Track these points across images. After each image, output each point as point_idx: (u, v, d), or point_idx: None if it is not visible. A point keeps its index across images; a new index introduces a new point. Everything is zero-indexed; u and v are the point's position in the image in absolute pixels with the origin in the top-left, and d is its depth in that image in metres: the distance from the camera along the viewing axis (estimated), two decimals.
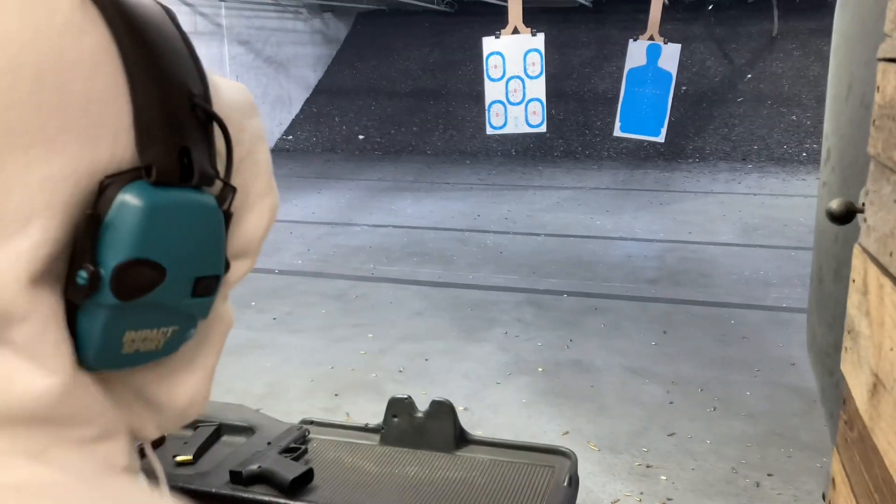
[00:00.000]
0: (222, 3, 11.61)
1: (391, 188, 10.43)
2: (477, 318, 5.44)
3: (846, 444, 0.90)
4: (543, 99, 7.59)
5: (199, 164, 0.45)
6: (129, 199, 0.42)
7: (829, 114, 1.34)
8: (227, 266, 0.49)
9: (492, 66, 7.50)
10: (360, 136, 13.33)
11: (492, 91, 7.52)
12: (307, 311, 5.59)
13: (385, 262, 6.90)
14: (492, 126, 7.60)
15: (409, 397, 1.38)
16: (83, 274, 0.41)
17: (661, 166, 11.79)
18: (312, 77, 14.46)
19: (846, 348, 0.91)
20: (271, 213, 0.55)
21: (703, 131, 12.51)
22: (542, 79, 7.52)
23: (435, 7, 13.16)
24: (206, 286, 0.47)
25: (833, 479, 0.97)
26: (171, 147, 0.44)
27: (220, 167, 0.48)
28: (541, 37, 7.37)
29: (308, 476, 1.23)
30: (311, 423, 1.44)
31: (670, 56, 9.31)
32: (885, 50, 0.81)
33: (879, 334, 0.77)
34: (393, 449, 1.36)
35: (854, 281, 0.88)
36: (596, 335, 5.13)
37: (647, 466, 3.52)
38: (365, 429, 1.40)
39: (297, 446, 1.32)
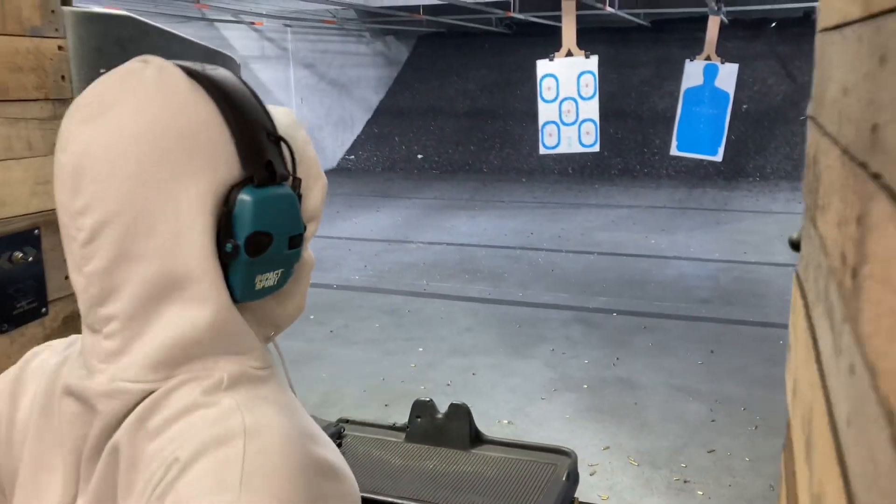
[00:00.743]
0: (288, 29, 12.09)
1: (447, 206, 10.65)
2: (525, 335, 5.58)
3: (787, 445, 1.04)
4: (597, 119, 7.70)
5: (278, 170, 0.74)
6: (245, 198, 0.70)
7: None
8: (304, 227, 0.77)
9: (545, 88, 7.65)
10: (419, 156, 13.63)
11: (545, 112, 7.67)
12: (362, 325, 5.83)
13: (437, 279, 7.11)
14: (545, 146, 7.75)
15: (431, 400, 1.56)
16: (229, 246, 0.70)
17: (720, 185, 11.71)
18: (374, 98, 14.86)
19: (788, 361, 1.05)
20: (323, 189, 0.83)
21: (765, 150, 12.37)
22: (596, 100, 7.63)
23: (493, 29, 13.41)
24: (295, 241, 0.75)
25: (781, 476, 1.10)
26: (261, 162, 0.72)
27: (289, 168, 0.77)
28: (594, 59, 7.49)
29: None
30: (347, 421, 1.63)
31: (728, 75, 9.28)
32: (810, 108, 0.96)
33: (796, 345, 0.92)
34: (416, 445, 1.54)
35: (791, 301, 1.02)
36: (643, 354, 5.21)
37: (685, 482, 3.60)
38: (392, 427, 1.59)
39: (333, 441, 1.51)
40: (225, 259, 0.70)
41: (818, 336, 0.76)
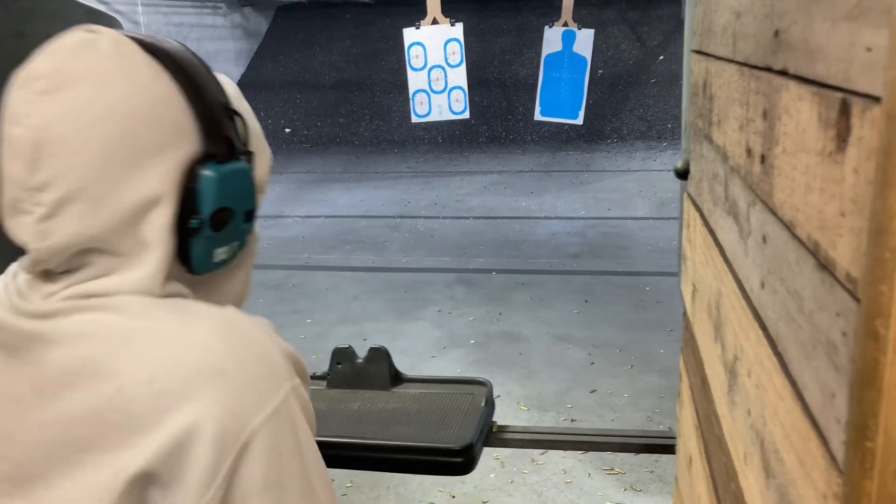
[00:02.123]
0: (139, 1, 11.47)
1: (321, 180, 10.56)
2: (411, 299, 5.69)
3: (686, 345, 1.18)
4: (465, 87, 7.84)
5: (237, 145, 0.76)
6: (209, 174, 0.72)
7: (684, 94, 1.63)
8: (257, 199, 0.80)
9: (413, 57, 7.70)
10: (287, 130, 13.37)
11: (415, 80, 7.72)
12: (246, 302, 5.73)
13: (319, 252, 7.08)
14: (416, 115, 7.82)
15: (350, 346, 1.62)
16: (195, 222, 0.72)
17: (581, 148, 12.24)
18: (235, 72, 14.38)
19: (682, 272, 1.19)
20: (269, 161, 0.86)
21: (620, 112, 13.01)
22: (463, 67, 7.76)
23: None
24: (250, 214, 0.78)
25: (681, 375, 1.25)
26: (221, 138, 0.74)
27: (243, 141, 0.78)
28: (459, 26, 7.61)
29: None
30: None
31: (584, 41, 9.64)
32: (694, 43, 1.09)
33: (694, 254, 1.05)
34: (338, 391, 1.59)
35: (684, 219, 1.16)
36: (523, 308, 5.45)
37: (572, 420, 3.84)
38: (313, 376, 1.63)
39: None
40: (187, 234, 0.72)
41: (719, 235, 0.88)
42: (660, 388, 4.11)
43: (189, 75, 0.73)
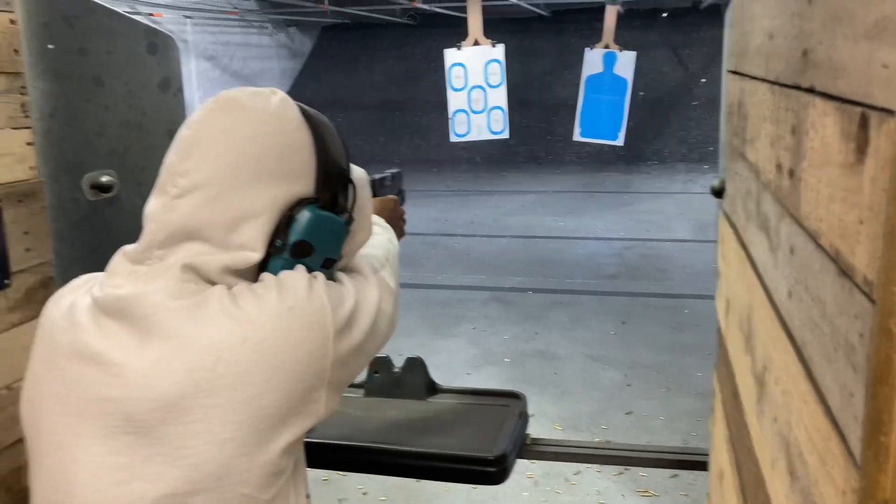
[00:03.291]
0: (188, 20, 11.79)
1: None
2: (446, 316, 5.72)
3: (719, 361, 1.20)
4: (505, 107, 7.89)
5: (341, 203, 0.92)
6: (306, 212, 0.88)
7: (722, 114, 1.65)
8: (340, 256, 0.93)
9: (454, 77, 7.78)
10: None
11: (455, 100, 7.80)
12: None
13: None
14: (456, 134, 7.88)
15: (388, 356, 1.66)
16: (279, 241, 0.87)
17: (621, 169, 12.20)
18: (279, 89, 14.63)
19: (717, 288, 1.20)
20: (366, 239, 1.00)
21: (662, 135, 12.96)
22: (503, 88, 7.82)
23: (398, 20, 13.46)
24: (329, 263, 0.91)
25: (714, 391, 1.26)
26: (330, 192, 0.91)
27: (348, 206, 0.94)
28: (500, 47, 7.68)
29: None
30: None
31: (626, 63, 9.62)
32: (729, 64, 1.11)
33: (728, 269, 1.07)
34: (375, 399, 1.63)
35: (719, 236, 1.18)
36: (559, 327, 5.44)
37: (606, 441, 3.81)
38: (351, 385, 1.67)
39: None
40: (272, 251, 0.87)
41: (751, 250, 0.90)
42: (696, 412, 4.06)
43: (324, 140, 0.91)
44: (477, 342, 5.18)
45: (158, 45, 1.79)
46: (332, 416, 1.58)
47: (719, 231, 1.17)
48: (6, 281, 1.34)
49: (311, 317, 0.84)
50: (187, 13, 11.44)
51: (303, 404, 0.84)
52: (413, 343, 5.14)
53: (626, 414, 4.09)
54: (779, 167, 0.71)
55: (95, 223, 1.61)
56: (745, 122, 0.94)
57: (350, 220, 0.93)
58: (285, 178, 0.87)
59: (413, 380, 1.62)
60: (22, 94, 1.37)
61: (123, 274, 0.87)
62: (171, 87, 1.82)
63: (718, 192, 1.30)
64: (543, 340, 5.18)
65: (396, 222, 1.37)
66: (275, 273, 0.87)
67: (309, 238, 0.87)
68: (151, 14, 10.79)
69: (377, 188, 1.37)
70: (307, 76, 14.84)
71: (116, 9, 1.75)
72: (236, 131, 0.87)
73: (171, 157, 0.88)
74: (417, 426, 1.50)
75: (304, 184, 0.88)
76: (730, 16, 1.45)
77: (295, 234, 0.87)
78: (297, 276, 0.86)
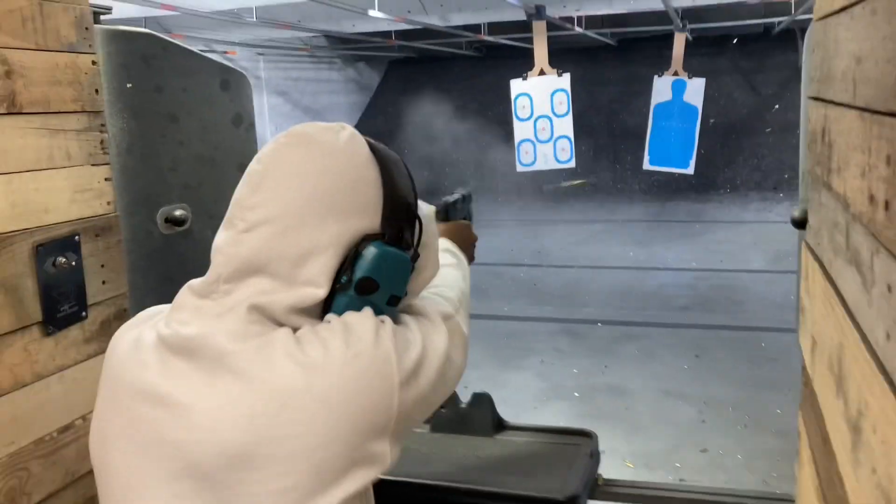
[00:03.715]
0: (261, 57, 12.18)
1: None
2: (513, 348, 5.66)
3: (805, 402, 1.12)
4: (571, 136, 7.84)
5: (407, 239, 0.91)
6: (372, 247, 0.87)
7: (801, 142, 1.59)
8: (405, 293, 0.91)
9: (520, 107, 7.79)
10: None
11: (521, 130, 7.79)
12: None
13: None
14: (521, 164, 7.86)
15: (454, 391, 1.63)
16: (344, 278, 0.86)
17: (692, 198, 11.94)
18: (348, 124, 14.93)
19: (800, 325, 1.13)
20: (432, 276, 0.98)
21: (734, 162, 12.64)
22: (570, 117, 7.77)
23: (463, 52, 13.61)
24: (394, 300, 0.90)
25: (799, 434, 1.19)
26: (396, 228, 0.90)
27: (414, 243, 0.93)
28: (566, 77, 7.65)
29: None
30: None
31: (695, 90, 9.47)
32: (811, 90, 1.06)
33: (813, 305, 1.01)
34: (441, 435, 1.60)
35: (802, 270, 1.11)
36: (630, 361, 5.31)
37: (681, 480, 3.68)
38: None
39: None
40: (336, 287, 0.86)
41: (840, 286, 0.84)
42: (776, 451, 3.88)
43: (392, 175, 0.91)
44: (545, 375, 5.09)
45: (231, 82, 1.83)
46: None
47: (802, 264, 1.11)
48: (83, 313, 1.38)
49: (376, 366, 0.82)
50: (260, 50, 11.83)
51: (367, 455, 0.82)
52: (479, 375, 5.09)
53: (702, 451, 3.94)
54: (872, 198, 0.66)
55: (168, 256, 1.64)
56: (831, 151, 0.89)
57: (416, 257, 0.92)
58: (352, 214, 0.87)
59: (480, 416, 1.59)
60: (101, 131, 1.42)
61: (189, 309, 0.87)
62: (243, 122, 1.86)
63: (800, 223, 1.24)
64: (614, 374, 5.06)
65: (468, 248, 1.34)
66: (339, 311, 0.86)
67: (374, 274, 0.86)
68: (226, 52, 11.20)
69: (448, 212, 1.35)
70: (375, 109, 15.11)
71: (192, 47, 1.81)
72: (306, 166, 0.87)
73: (241, 191, 0.88)
74: (484, 464, 1.46)
75: (371, 219, 0.88)
76: (809, 40, 1.39)
77: (360, 271, 0.86)
78: (363, 321, 0.85)
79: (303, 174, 0.86)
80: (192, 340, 0.84)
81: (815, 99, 1.04)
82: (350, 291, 0.86)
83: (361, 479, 0.82)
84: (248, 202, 0.86)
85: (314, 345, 0.82)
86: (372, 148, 0.92)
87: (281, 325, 0.85)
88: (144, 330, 0.91)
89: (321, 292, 0.85)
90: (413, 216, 0.92)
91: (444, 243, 1.25)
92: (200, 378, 0.82)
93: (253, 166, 0.89)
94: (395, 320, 0.90)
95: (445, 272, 1.11)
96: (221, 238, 0.88)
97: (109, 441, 0.87)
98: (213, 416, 0.80)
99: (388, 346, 0.84)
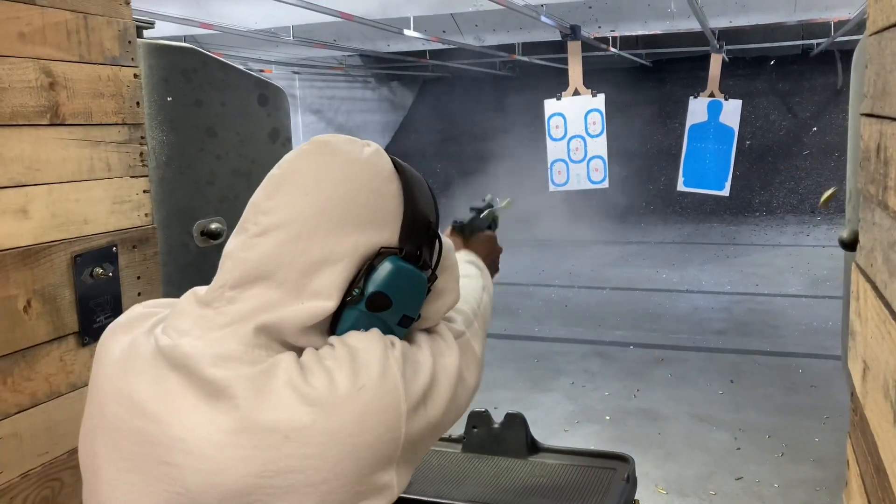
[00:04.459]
0: (296, 76, 12.34)
1: None
2: (543, 369, 5.59)
3: (854, 429, 1.08)
4: (605, 156, 7.81)
5: (425, 257, 0.87)
6: (388, 262, 0.84)
7: (849, 160, 1.54)
8: (419, 316, 0.88)
9: (553, 127, 7.78)
10: None
11: (554, 150, 7.78)
12: None
13: None
14: (554, 184, 7.84)
15: (487, 410, 1.60)
16: (356, 290, 0.83)
17: (727, 220, 11.79)
18: (380, 143, 15.02)
19: (850, 349, 1.09)
20: (451, 304, 0.94)
21: (770, 185, 12.48)
22: (604, 137, 7.75)
23: (497, 72, 13.66)
24: (405, 321, 0.86)
25: (847, 462, 1.14)
26: (415, 244, 0.86)
27: (432, 263, 0.90)
28: (601, 97, 7.63)
29: None
30: None
31: (731, 112, 9.40)
32: (864, 106, 1.03)
33: (865, 329, 0.97)
34: (473, 455, 1.57)
35: (853, 292, 1.07)
36: (663, 385, 5.22)
37: None
38: (448, 439, 1.63)
39: None
40: (346, 299, 0.83)
41: None
42: (815, 481, 3.77)
43: (413, 192, 0.88)
44: (575, 398, 5.02)
45: (269, 97, 1.84)
46: (429, 472, 1.54)
47: (853, 286, 1.07)
48: None
49: (384, 400, 0.78)
50: (295, 69, 11.99)
51: (373, 488, 0.78)
52: (509, 396, 5.04)
53: (737, 479, 3.85)
54: None
55: (203, 268, 1.64)
56: (888, 168, 0.86)
57: (433, 278, 0.89)
58: (370, 226, 0.84)
59: (513, 437, 1.56)
60: (141, 144, 1.43)
61: (190, 317, 0.83)
62: (279, 136, 1.86)
63: (849, 245, 1.20)
64: (646, 398, 4.98)
65: (494, 260, 1.32)
66: (347, 326, 0.82)
67: (387, 290, 0.83)
68: (262, 70, 11.36)
69: (474, 223, 1.34)
70: (408, 128, 15.21)
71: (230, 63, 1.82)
72: (326, 173, 0.84)
73: (257, 195, 0.86)
74: (517, 487, 1.43)
75: (389, 234, 0.85)
76: (860, 56, 1.36)
77: (373, 285, 0.82)
78: (370, 347, 0.80)
79: (321, 181, 0.84)
80: (190, 358, 0.79)
81: (869, 115, 1.01)
82: (360, 306, 0.82)
83: None
84: (263, 206, 0.84)
85: (319, 376, 0.78)
86: (395, 164, 0.90)
87: (289, 346, 0.81)
88: (139, 336, 0.86)
89: (330, 304, 0.81)
90: (433, 236, 0.89)
91: (467, 256, 1.24)
92: (197, 402, 0.78)
93: (272, 171, 0.87)
94: (407, 338, 0.87)
95: (464, 283, 1.08)
96: (232, 243, 0.85)
97: (102, 454, 0.82)
98: (211, 447, 0.76)
99: (396, 375, 0.80)
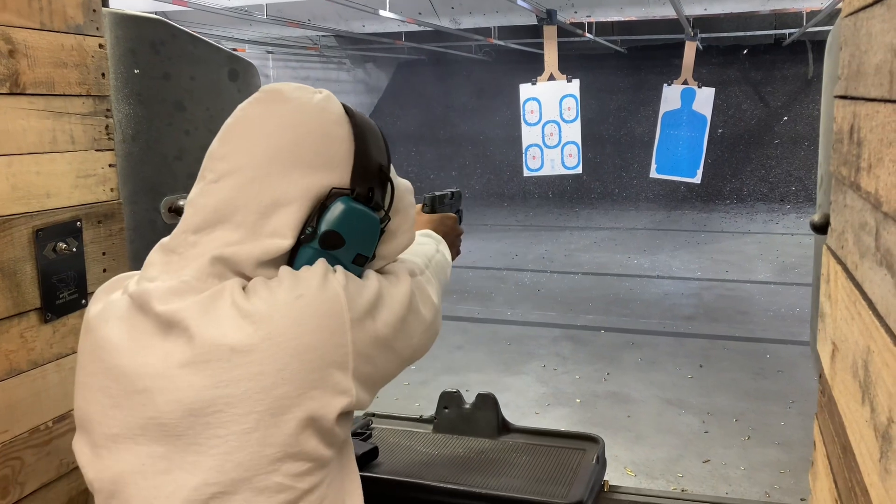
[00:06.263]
0: (270, 55, 12.18)
1: None
2: (515, 352, 5.62)
3: (821, 410, 1.09)
4: (579, 142, 7.81)
5: (377, 199, 0.90)
6: (339, 202, 0.87)
7: (821, 146, 1.55)
8: (373, 255, 0.91)
9: (528, 112, 7.76)
10: None
11: (528, 135, 7.77)
12: None
13: None
14: (529, 168, 7.84)
15: (458, 391, 1.60)
16: (309, 229, 0.86)
17: (698, 207, 11.90)
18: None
19: (819, 330, 1.10)
20: (405, 244, 0.97)
21: (741, 173, 12.61)
22: (578, 123, 7.75)
23: (473, 56, 13.60)
24: (360, 259, 0.89)
25: (814, 443, 1.15)
26: (366, 187, 0.89)
27: (385, 205, 0.93)
28: (576, 83, 7.63)
29: (374, 453, 1.46)
30: (374, 415, 1.66)
31: (704, 99, 9.46)
32: (838, 88, 1.03)
33: (835, 310, 0.97)
34: (444, 436, 1.57)
35: (824, 274, 1.08)
36: (633, 369, 5.27)
37: (682, 490, 3.63)
38: (420, 419, 1.62)
39: (362, 431, 1.54)
40: (301, 237, 0.86)
41: (867, 289, 0.81)
42: (780, 463, 3.84)
43: (364, 136, 0.90)
44: (546, 381, 5.05)
45: (239, 72, 1.81)
46: (400, 453, 1.53)
47: (823, 269, 1.08)
48: (83, 301, 1.35)
49: (322, 305, 0.83)
50: (269, 48, 11.83)
51: (328, 388, 0.82)
52: (481, 379, 5.05)
53: (704, 462, 3.90)
54: None
55: None
56: (860, 149, 0.85)
57: (386, 219, 0.92)
58: (321, 168, 0.87)
59: (484, 417, 1.56)
60: (107, 116, 1.39)
61: (158, 264, 0.88)
62: None
63: (821, 227, 1.20)
64: (616, 382, 5.02)
65: (454, 241, 1.34)
66: (302, 262, 0.86)
67: (340, 229, 0.86)
68: (235, 49, 11.19)
69: (436, 205, 1.35)
70: (383, 111, 15.10)
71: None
72: (275, 118, 0.87)
73: (213, 144, 0.90)
74: (488, 466, 1.43)
75: (340, 176, 0.88)
76: (834, 39, 1.36)
77: (326, 224, 0.86)
78: (313, 269, 0.85)
79: (271, 126, 0.87)
80: (146, 297, 0.84)
81: (843, 97, 1.01)
82: (314, 244, 0.86)
83: (318, 403, 0.82)
84: (218, 153, 0.88)
85: (261, 294, 0.82)
86: (347, 110, 0.92)
87: (246, 278, 0.85)
88: (117, 293, 0.92)
89: (286, 243, 0.85)
90: (385, 178, 0.92)
91: (426, 232, 1.25)
92: (153, 338, 0.84)
93: (227, 120, 0.91)
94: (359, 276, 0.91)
95: (420, 241, 1.13)
96: (193, 191, 0.89)
97: (89, 398, 0.88)
98: (169, 372, 0.82)
99: (336, 286, 0.84)
